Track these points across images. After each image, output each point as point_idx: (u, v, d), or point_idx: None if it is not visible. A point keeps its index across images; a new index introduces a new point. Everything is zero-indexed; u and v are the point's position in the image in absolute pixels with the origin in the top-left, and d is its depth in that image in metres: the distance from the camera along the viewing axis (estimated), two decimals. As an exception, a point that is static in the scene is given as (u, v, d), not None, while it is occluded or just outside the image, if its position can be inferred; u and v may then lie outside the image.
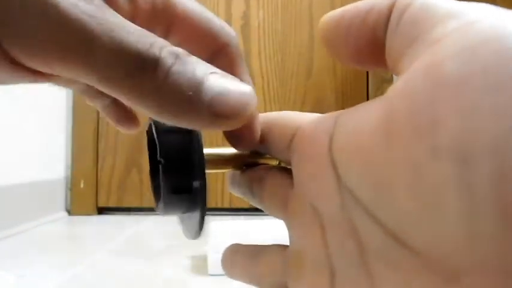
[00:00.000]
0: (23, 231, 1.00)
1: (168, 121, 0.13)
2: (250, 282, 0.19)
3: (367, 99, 1.37)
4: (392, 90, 0.11)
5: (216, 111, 0.12)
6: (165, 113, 0.12)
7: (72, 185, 1.32)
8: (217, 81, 0.13)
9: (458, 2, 0.11)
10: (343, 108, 0.14)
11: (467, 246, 0.09)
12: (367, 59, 0.13)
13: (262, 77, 1.36)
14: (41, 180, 1.17)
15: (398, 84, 0.11)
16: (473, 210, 0.08)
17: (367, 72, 1.37)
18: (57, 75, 0.13)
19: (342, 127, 0.13)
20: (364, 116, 0.12)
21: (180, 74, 0.12)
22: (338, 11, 0.14)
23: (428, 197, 0.09)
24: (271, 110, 1.41)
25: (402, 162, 0.10)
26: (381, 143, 0.11)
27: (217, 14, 1.41)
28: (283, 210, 0.17)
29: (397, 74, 0.12)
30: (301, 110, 1.31)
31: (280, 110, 1.31)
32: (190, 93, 0.12)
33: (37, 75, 0.13)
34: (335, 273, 0.13)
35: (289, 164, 0.16)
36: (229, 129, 0.13)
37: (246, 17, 1.38)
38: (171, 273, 0.70)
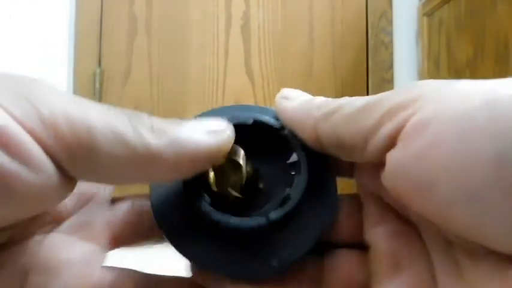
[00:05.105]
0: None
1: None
2: None
3: (367, 99, 1.37)
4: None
5: None
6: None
7: (72, 184, 1.32)
8: None
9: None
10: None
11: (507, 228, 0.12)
12: None
13: (262, 77, 1.36)
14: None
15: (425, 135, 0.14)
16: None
17: (367, 72, 1.37)
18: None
19: None
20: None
21: None
22: None
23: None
24: (271, 110, 1.40)
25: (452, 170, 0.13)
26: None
27: (217, 14, 1.41)
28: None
29: None
30: (301, 110, 1.31)
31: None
32: None
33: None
34: (434, 269, 0.15)
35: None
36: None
37: (246, 17, 1.38)
38: (171, 273, 0.70)
